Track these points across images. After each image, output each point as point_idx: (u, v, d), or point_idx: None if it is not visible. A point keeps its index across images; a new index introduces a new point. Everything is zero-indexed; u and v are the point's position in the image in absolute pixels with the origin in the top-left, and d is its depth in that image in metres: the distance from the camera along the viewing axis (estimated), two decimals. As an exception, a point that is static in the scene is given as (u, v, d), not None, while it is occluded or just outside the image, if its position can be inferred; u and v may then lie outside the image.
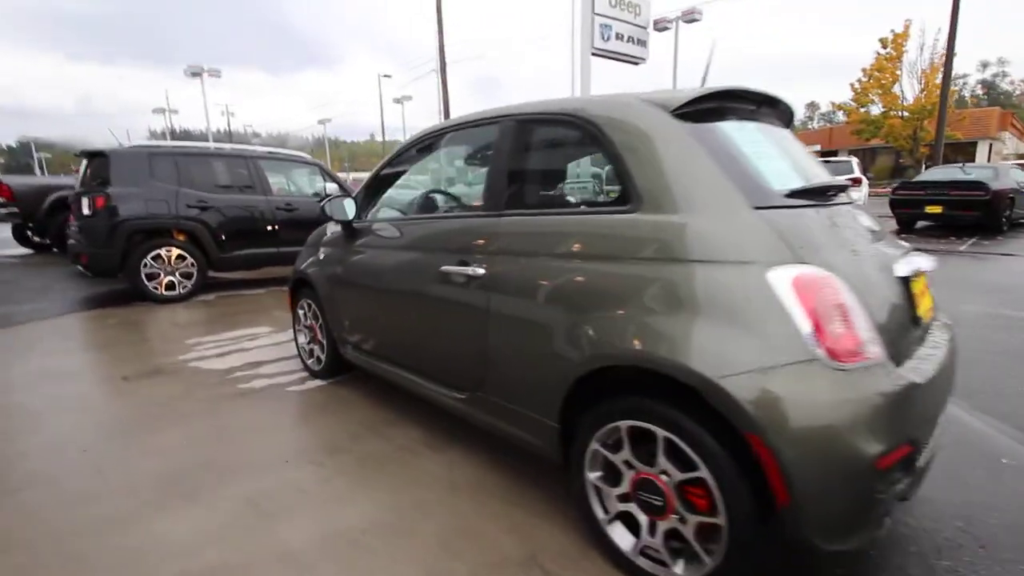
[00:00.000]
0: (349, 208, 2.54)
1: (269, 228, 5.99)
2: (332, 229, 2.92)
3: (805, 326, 1.20)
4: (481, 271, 1.83)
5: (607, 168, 1.82)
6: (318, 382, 3.10)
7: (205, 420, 2.61)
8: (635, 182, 1.50)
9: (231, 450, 2.30)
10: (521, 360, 1.73)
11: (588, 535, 1.63)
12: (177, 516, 1.84)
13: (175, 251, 5.42)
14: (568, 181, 1.92)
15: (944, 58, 17.93)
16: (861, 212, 1.71)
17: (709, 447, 1.27)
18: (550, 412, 1.65)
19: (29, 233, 9.96)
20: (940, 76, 21.91)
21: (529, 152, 1.90)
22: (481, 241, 1.88)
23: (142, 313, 4.97)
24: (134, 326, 4.49)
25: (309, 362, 3.20)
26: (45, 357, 3.61)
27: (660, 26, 20.28)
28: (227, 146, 6.31)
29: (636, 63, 14.42)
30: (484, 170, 2.05)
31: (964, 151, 26.62)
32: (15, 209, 9.35)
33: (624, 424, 1.45)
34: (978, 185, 9.46)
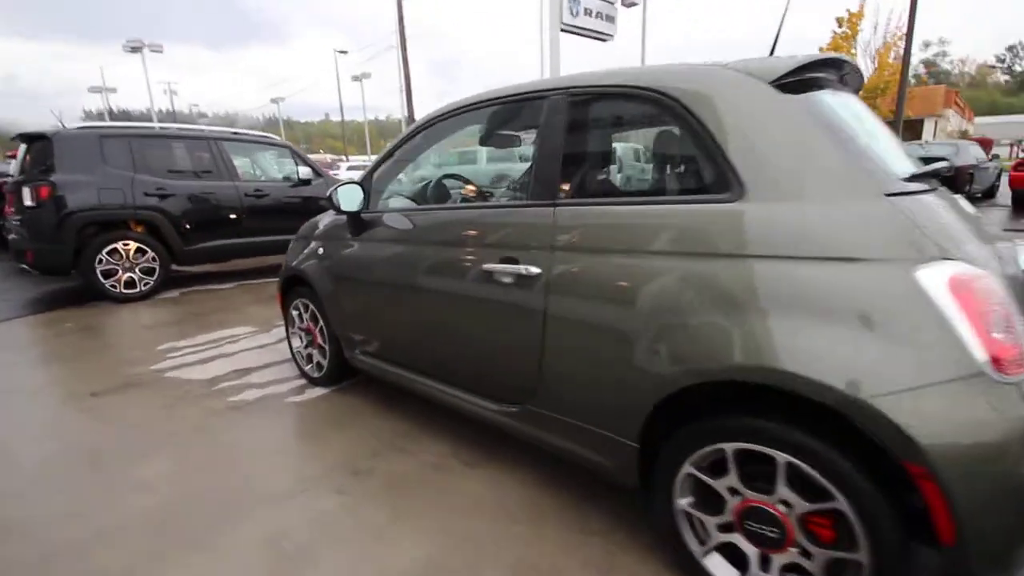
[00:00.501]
0: (356, 197, 2.24)
1: (237, 216, 5.51)
2: (328, 219, 2.60)
3: (968, 334, 1.03)
4: (535, 270, 1.59)
5: (683, 150, 1.59)
6: (320, 390, 2.80)
7: (196, 442, 2.29)
8: (735, 166, 1.29)
9: (233, 478, 2.01)
10: (589, 371, 1.51)
11: (679, 569, 1.45)
12: (181, 569, 1.55)
13: (133, 245, 4.91)
14: (638, 165, 1.69)
15: (899, 37, 18.32)
16: (959, 196, 1.56)
17: (849, 475, 1.10)
18: (627, 430, 1.44)
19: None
20: (893, 55, 22.58)
21: (589, 132, 1.66)
22: (532, 235, 1.64)
23: (102, 315, 4.49)
24: (95, 331, 4.03)
25: (307, 368, 2.89)
26: (-7, 372, 3.16)
27: (628, 2, 20.04)
28: (188, 127, 5.75)
29: (604, 39, 14.19)
30: (527, 153, 1.79)
31: (912, 128, 27.68)
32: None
33: (731, 447, 1.26)
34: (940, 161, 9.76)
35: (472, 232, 1.86)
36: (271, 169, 6.28)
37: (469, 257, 1.83)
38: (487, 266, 1.73)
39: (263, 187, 5.76)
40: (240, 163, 5.87)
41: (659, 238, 1.37)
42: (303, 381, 2.92)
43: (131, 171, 4.91)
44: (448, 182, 2.55)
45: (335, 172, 20.15)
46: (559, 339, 1.57)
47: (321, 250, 2.58)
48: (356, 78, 35.11)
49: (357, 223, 2.33)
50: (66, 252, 4.58)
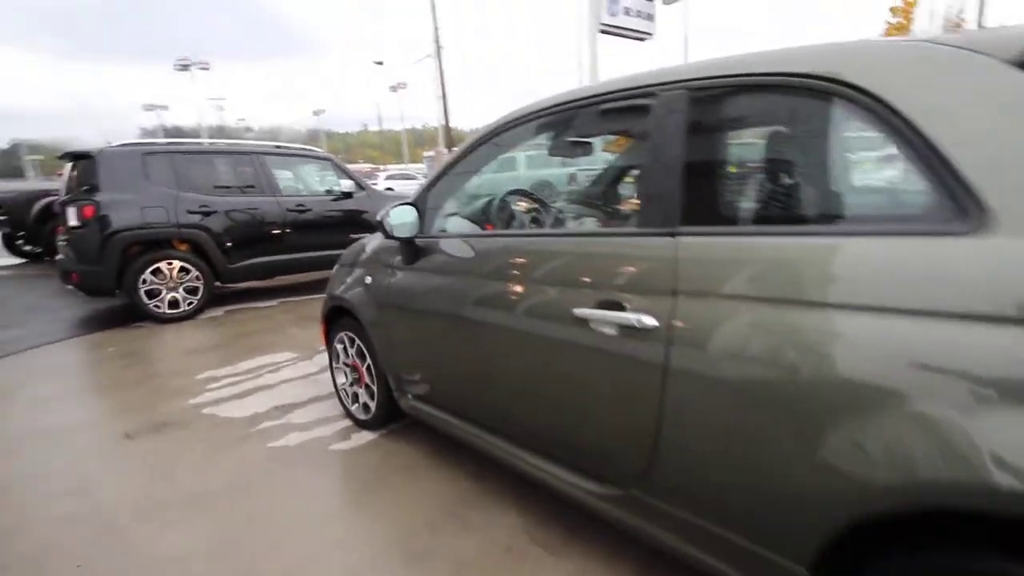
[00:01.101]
0: (410, 220, 1.91)
1: (279, 232, 5.35)
2: (376, 243, 2.29)
3: None
4: (650, 322, 1.21)
5: (876, 161, 1.18)
6: (367, 435, 2.49)
7: (234, 504, 2.01)
8: (972, 184, 0.87)
9: (276, 557, 1.70)
10: (735, 459, 1.11)
11: None
12: None
13: (177, 264, 4.79)
14: (804, 181, 1.26)
15: (956, 24, 16.87)
16: None
17: None
18: (792, 550, 1.04)
19: (19, 242, 9.32)
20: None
21: (725, 137, 1.27)
22: (644, 274, 1.26)
23: (145, 337, 4.36)
24: (136, 356, 3.88)
25: (353, 408, 2.59)
26: (28, 408, 3.00)
27: (669, -1, 19.45)
28: (229, 142, 5.65)
29: (643, 39, 13.72)
30: (630, 166, 1.41)
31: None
32: (2, 217, 8.73)
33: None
34: None
35: (554, 265, 1.49)
36: (313, 182, 6.12)
37: (551, 297, 1.46)
38: (579, 311, 1.35)
39: (305, 201, 5.59)
40: (282, 177, 5.73)
41: (856, 285, 0.96)
42: (348, 422, 2.62)
43: (174, 188, 4.80)
44: (515, 201, 2.20)
45: (374, 183, 20.35)
46: (686, 411, 1.18)
47: (369, 279, 2.26)
48: (393, 88, 35.61)
49: (411, 249, 2.01)
50: (110, 273, 4.50)
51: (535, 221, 2.15)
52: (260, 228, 5.26)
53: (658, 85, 1.33)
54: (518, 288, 1.57)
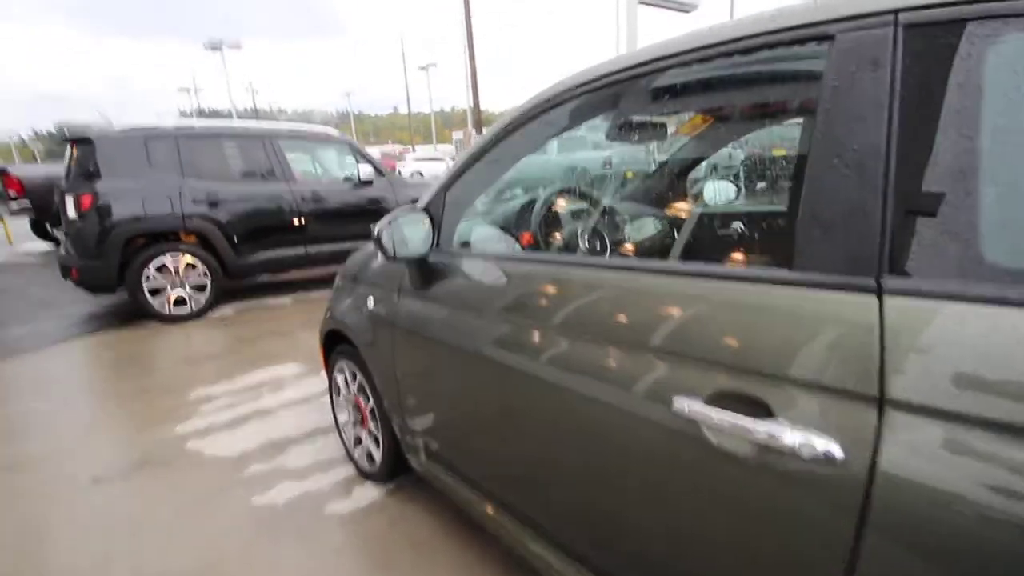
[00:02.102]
0: (421, 233, 1.39)
1: (294, 223, 4.93)
2: (381, 257, 1.78)
3: None
4: (830, 449, 0.66)
5: None
6: (371, 489, 2.02)
7: (195, 592, 1.57)
8: None
9: None
10: None
11: None
12: None
13: (184, 258, 4.42)
14: None
15: None
16: None
17: None
18: None
19: (48, 226, 9.25)
20: None
21: (978, 107, 0.68)
22: (812, 356, 0.70)
23: (146, 339, 4.01)
24: (131, 365, 3.51)
25: (356, 453, 2.12)
26: None
27: (716, -34, 18.19)
28: (240, 123, 5.22)
29: (687, 11, 12.75)
30: (756, 159, 0.87)
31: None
32: (27, 203, 8.63)
33: None
34: None
35: (633, 316, 0.94)
36: (331, 168, 5.66)
37: (631, 367, 0.92)
38: (683, 404, 0.81)
39: (321, 189, 5.14)
40: (297, 162, 5.29)
41: None
42: (351, 469, 2.15)
43: (179, 175, 4.41)
44: (563, 204, 1.64)
45: (401, 165, 19.72)
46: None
47: (371, 302, 1.76)
48: (423, 68, 34.91)
49: (422, 271, 1.49)
50: (110, 269, 4.15)
51: (594, 237, 1.58)
52: (272, 218, 4.85)
53: (837, 21, 0.75)
54: (575, 344, 1.03)
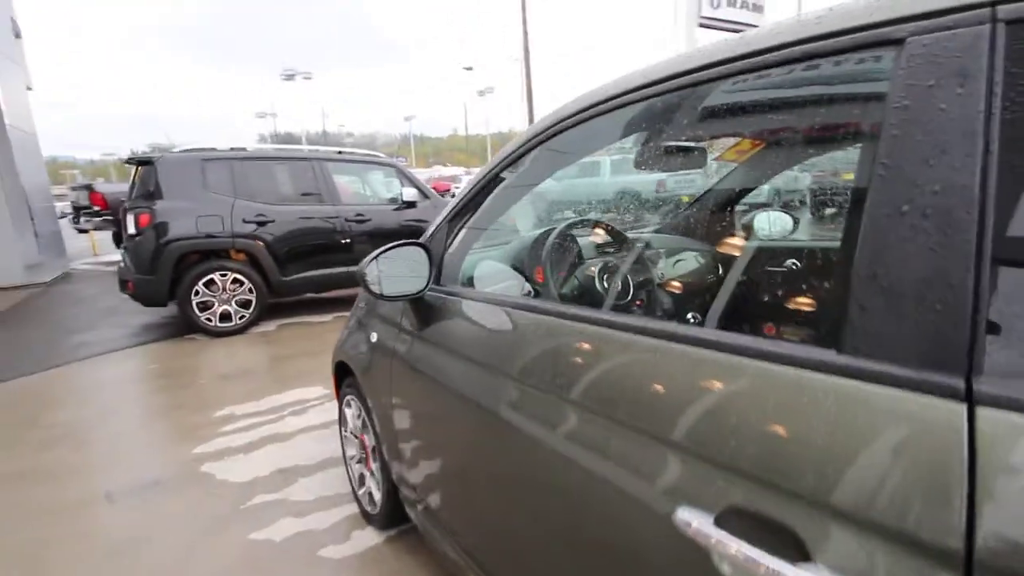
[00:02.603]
0: (415, 268, 1.27)
1: (339, 243, 5.00)
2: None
3: None
4: None
5: None
6: (370, 535, 1.89)
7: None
8: None
9: None
10: None
11: None
12: None
13: (231, 275, 4.56)
14: None
15: None
16: None
17: None
18: None
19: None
20: None
21: None
22: (866, 479, 0.50)
23: (190, 354, 4.13)
24: (171, 378, 3.61)
25: (360, 493, 2.00)
26: (31, 442, 2.74)
27: (780, -13, 17.63)
28: (290, 147, 5.41)
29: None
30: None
31: None
32: (110, 216, 9.38)
33: None
34: None
35: (640, 389, 0.76)
36: (379, 189, 5.75)
37: (637, 453, 0.73)
38: (689, 519, 0.62)
39: (365, 211, 5.21)
40: (345, 184, 5.40)
41: None
42: (354, 508, 2.03)
43: (231, 196, 4.58)
44: (582, 240, 1.47)
45: (456, 187, 20.05)
46: None
47: (374, 336, 1.65)
48: (481, 93, 35.82)
49: (420, 309, 1.36)
50: (163, 283, 4.34)
51: (605, 282, 1.39)
52: (317, 238, 4.94)
53: (908, 20, 0.56)
54: (573, 412, 0.86)
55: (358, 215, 5.13)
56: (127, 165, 5.03)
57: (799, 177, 1.76)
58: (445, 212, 1.40)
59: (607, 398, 0.80)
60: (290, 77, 27.00)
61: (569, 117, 1.05)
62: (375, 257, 1.25)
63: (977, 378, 0.45)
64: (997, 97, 0.48)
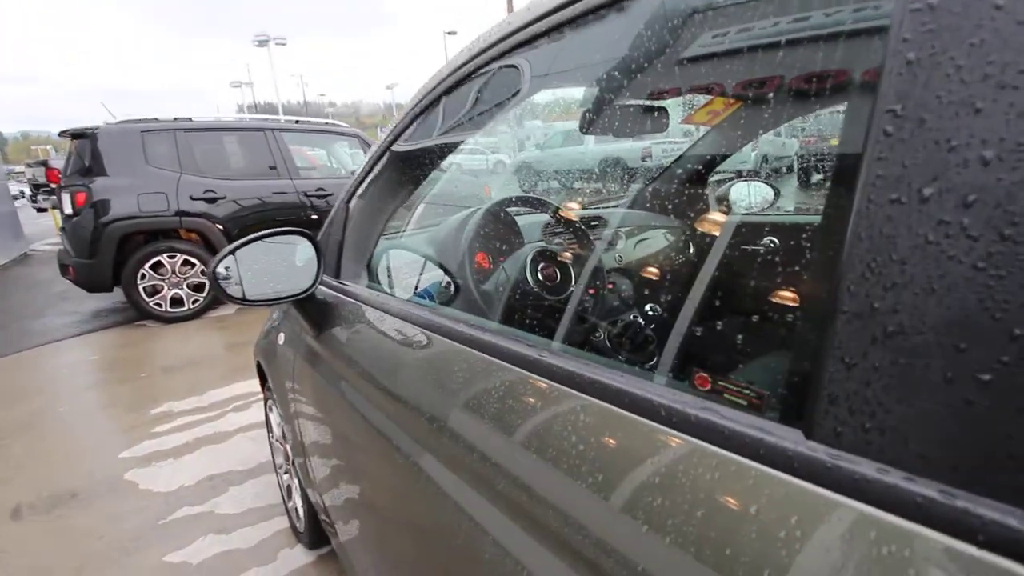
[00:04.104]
0: (294, 263, 1.02)
1: (305, 219, 4.69)
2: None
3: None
4: None
5: None
6: (299, 555, 1.69)
7: None
8: None
9: None
10: None
11: None
12: None
13: (180, 257, 4.26)
14: None
15: None
16: None
17: None
18: None
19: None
20: None
21: None
22: None
23: (137, 342, 3.87)
24: (112, 370, 3.36)
25: (289, 506, 1.79)
26: (-50, 444, 2.49)
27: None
28: (242, 118, 5.04)
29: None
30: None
31: None
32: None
33: None
34: None
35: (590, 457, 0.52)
36: (345, 161, 5.40)
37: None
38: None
39: (328, 185, 4.88)
40: (304, 157, 5.05)
41: None
42: (285, 522, 1.83)
43: (177, 170, 4.23)
44: (530, 218, 1.22)
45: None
46: None
47: (281, 337, 1.41)
48: (450, 33, 34.57)
49: (311, 310, 1.12)
50: (105, 267, 4.02)
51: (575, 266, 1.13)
52: (278, 214, 4.62)
53: None
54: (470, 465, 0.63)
55: (319, 189, 4.80)
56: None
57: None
58: (345, 191, 1.15)
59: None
60: (263, 43, 25.76)
61: (488, 49, 0.78)
62: (233, 251, 1.00)
63: None
64: None
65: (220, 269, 0.98)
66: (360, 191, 1.12)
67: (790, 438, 0.33)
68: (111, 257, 4.01)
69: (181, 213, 4.20)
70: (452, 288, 1.08)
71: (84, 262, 4.00)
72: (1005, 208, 0.25)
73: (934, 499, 0.26)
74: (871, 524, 0.28)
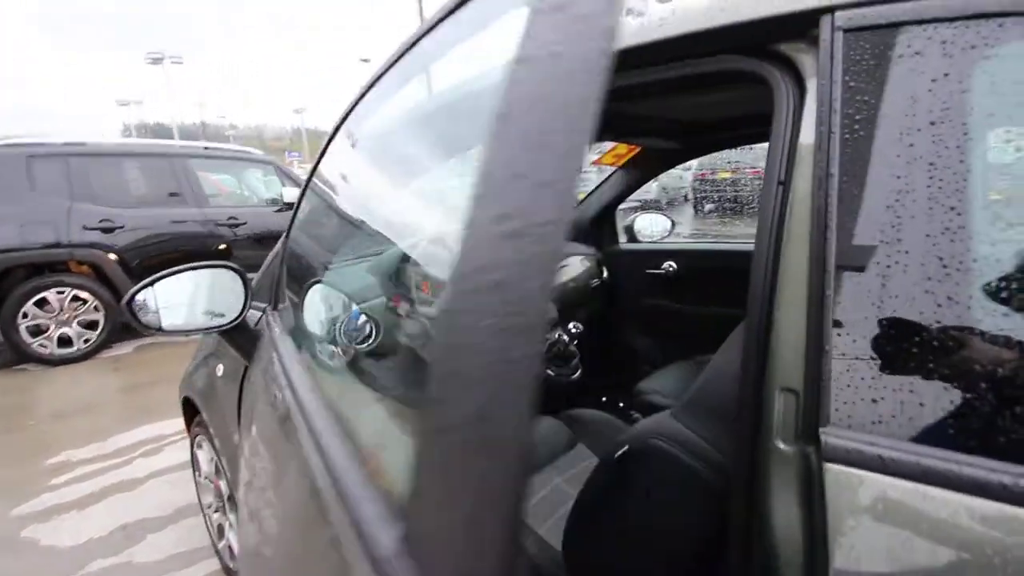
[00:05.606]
0: (219, 292, 1.09)
1: (213, 250, 4.48)
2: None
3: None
4: None
5: None
6: (234, 594, 1.66)
7: None
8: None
9: None
10: None
11: None
12: None
13: (70, 292, 3.90)
14: None
15: None
16: None
17: None
18: None
19: None
20: None
21: None
22: None
23: (19, 389, 3.47)
24: (-13, 421, 3.00)
25: (220, 546, 1.75)
26: None
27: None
28: (145, 142, 4.76)
29: None
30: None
31: None
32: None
33: None
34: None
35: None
36: (257, 189, 5.24)
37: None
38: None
39: (240, 214, 4.72)
40: (213, 185, 4.86)
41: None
42: (215, 564, 1.78)
43: (67, 199, 3.90)
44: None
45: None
46: None
47: (220, 369, 1.43)
48: (364, 61, 34.47)
49: (245, 340, 1.16)
50: (-23, 306, 3.60)
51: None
52: (184, 245, 4.39)
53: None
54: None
55: (231, 218, 4.63)
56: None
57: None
58: (297, 202, 1.21)
59: None
60: (157, 61, 24.00)
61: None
62: (152, 283, 1.04)
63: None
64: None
65: (138, 299, 1.02)
66: (297, 221, 1.19)
67: None
68: (-15, 294, 3.59)
69: (72, 245, 3.87)
70: (371, 329, 0.98)
71: (-50, 300, 3.55)
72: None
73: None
74: None
